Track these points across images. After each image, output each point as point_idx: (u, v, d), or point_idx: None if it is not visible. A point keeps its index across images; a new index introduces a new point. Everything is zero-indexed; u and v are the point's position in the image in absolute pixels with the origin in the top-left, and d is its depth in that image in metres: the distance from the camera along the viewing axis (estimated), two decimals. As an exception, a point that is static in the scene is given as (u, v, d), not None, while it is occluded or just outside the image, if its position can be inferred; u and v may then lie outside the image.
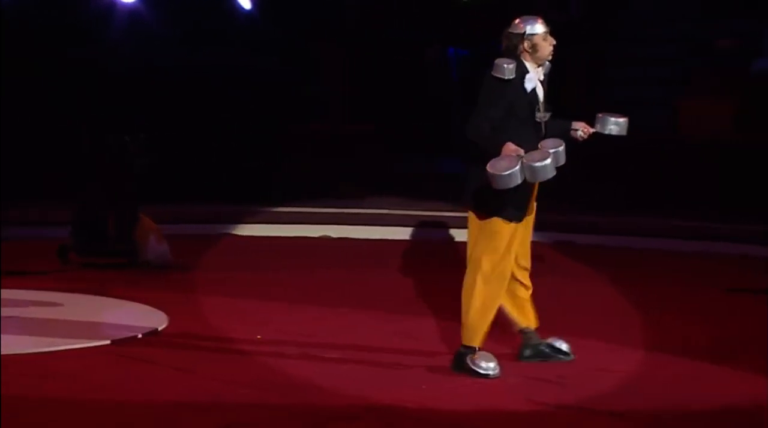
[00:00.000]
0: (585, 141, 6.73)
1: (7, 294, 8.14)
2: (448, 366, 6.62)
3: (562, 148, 6.37)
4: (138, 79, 13.17)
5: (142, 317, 7.86)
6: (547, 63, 6.62)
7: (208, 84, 13.49)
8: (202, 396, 6.10)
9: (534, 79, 6.52)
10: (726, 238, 11.07)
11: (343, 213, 11.98)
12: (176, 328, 7.54)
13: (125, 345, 7.07)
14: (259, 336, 7.34)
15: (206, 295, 8.69)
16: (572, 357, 6.86)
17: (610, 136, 6.73)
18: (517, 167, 6.18)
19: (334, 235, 11.78)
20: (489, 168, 6.19)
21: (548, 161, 6.23)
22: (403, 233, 11.63)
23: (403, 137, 14.75)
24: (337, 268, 10.11)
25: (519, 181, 6.23)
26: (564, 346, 6.89)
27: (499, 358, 6.57)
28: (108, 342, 7.10)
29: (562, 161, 6.37)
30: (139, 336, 7.31)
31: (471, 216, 6.59)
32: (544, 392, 6.27)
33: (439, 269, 9.77)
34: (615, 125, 6.72)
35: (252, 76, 13.76)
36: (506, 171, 6.16)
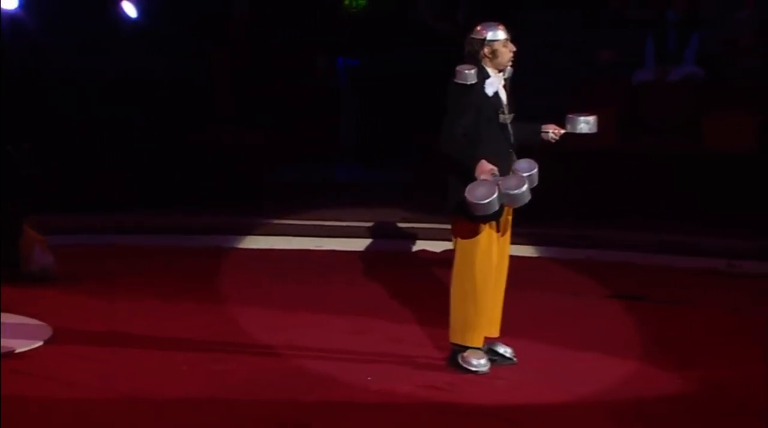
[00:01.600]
0: (556, 142, 6.91)
1: None
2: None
3: (535, 170, 6.63)
4: (23, 86, 12.90)
5: (26, 330, 7.71)
6: (510, 68, 6.85)
7: (96, 90, 13.28)
8: (92, 410, 6.04)
9: (495, 83, 6.77)
10: (610, 246, 11.27)
11: (239, 222, 11.85)
12: (61, 340, 7.43)
13: (7, 359, 6.92)
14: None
15: (91, 306, 8.55)
16: (514, 361, 6.98)
17: (581, 135, 6.89)
18: (495, 195, 6.41)
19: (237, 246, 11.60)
20: (467, 195, 6.43)
21: (525, 187, 6.49)
22: (293, 242, 11.59)
23: (291, 145, 14.73)
24: (227, 276, 10.02)
25: (497, 208, 6.48)
26: (507, 351, 7.01)
27: (402, 366, 6.67)
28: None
29: (536, 183, 6.63)
30: (23, 349, 7.17)
31: (453, 222, 6.80)
32: (432, 397, 6.37)
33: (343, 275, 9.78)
34: (585, 124, 6.94)
35: (140, 81, 13.59)
36: (484, 199, 6.41)
